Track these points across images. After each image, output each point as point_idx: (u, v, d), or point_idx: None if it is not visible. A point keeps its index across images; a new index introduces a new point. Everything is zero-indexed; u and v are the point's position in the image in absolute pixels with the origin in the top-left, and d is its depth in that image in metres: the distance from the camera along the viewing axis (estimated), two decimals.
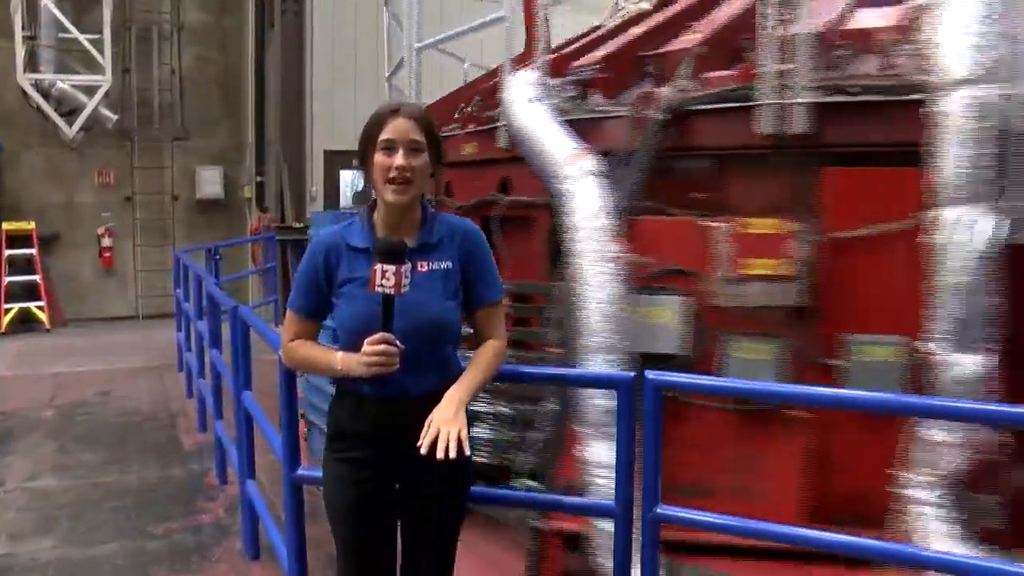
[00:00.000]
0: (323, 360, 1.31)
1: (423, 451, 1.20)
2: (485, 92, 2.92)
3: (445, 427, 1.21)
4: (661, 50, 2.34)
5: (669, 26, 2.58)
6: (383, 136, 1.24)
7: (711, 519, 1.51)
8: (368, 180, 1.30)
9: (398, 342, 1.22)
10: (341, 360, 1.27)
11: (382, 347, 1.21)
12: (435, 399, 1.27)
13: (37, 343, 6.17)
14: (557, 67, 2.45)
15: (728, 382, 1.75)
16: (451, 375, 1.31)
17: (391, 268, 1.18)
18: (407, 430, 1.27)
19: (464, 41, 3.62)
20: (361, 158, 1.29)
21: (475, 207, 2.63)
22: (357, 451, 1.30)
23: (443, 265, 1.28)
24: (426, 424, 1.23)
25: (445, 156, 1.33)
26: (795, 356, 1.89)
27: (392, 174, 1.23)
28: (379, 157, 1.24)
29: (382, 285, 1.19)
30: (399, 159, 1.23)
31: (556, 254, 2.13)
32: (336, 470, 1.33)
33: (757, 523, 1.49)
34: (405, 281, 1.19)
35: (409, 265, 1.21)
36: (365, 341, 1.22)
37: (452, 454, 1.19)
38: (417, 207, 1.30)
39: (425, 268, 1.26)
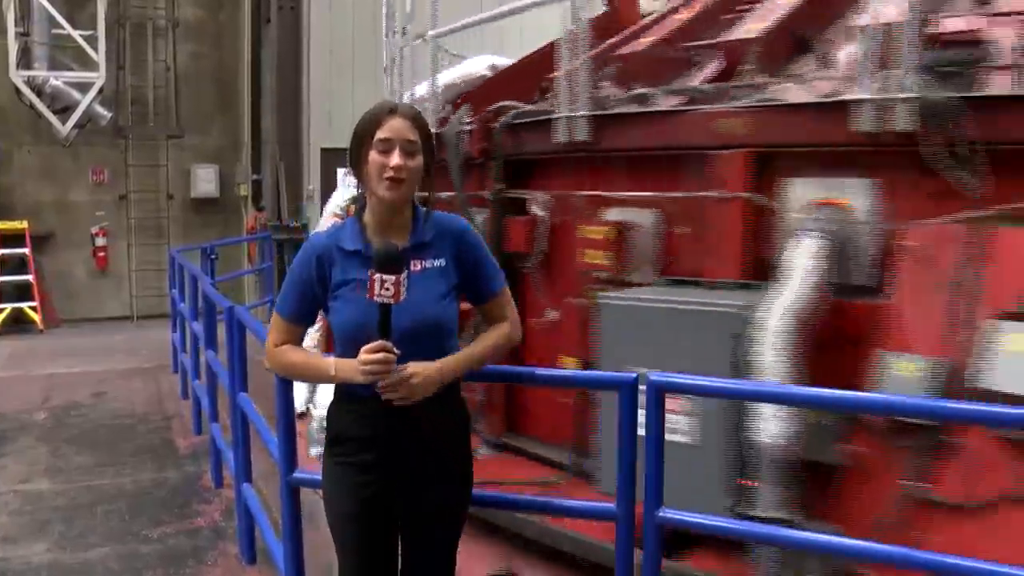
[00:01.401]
0: (316, 367, 1.30)
1: (381, 385, 1.21)
2: (637, 57, 2.56)
3: (410, 375, 1.21)
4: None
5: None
6: (380, 135, 1.23)
7: (713, 522, 1.50)
8: (360, 178, 1.28)
9: (395, 349, 1.21)
10: (336, 367, 1.26)
11: (380, 355, 1.20)
12: (434, 398, 1.27)
13: (30, 344, 6.13)
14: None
15: (729, 383, 1.73)
16: None
17: (391, 278, 1.18)
18: (407, 430, 1.27)
19: (460, 37, 3.58)
20: (354, 156, 1.27)
21: None
22: (357, 455, 1.29)
23: (437, 263, 1.28)
24: (408, 368, 1.22)
25: (435, 157, 1.33)
26: None
27: (388, 173, 1.23)
28: (375, 156, 1.24)
29: (381, 295, 1.18)
30: (395, 159, 1.23)
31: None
32: (337, 475, 1.32)
33: (757, 526, 1.48)
34: (404, 290, 1.19)
35: (407, 273, 1.20)
36: (362, 349, 1.21)
37: (396, 400, 1.22)
38: (408, 207, 1.29)
39: (419, 267, 1.25)
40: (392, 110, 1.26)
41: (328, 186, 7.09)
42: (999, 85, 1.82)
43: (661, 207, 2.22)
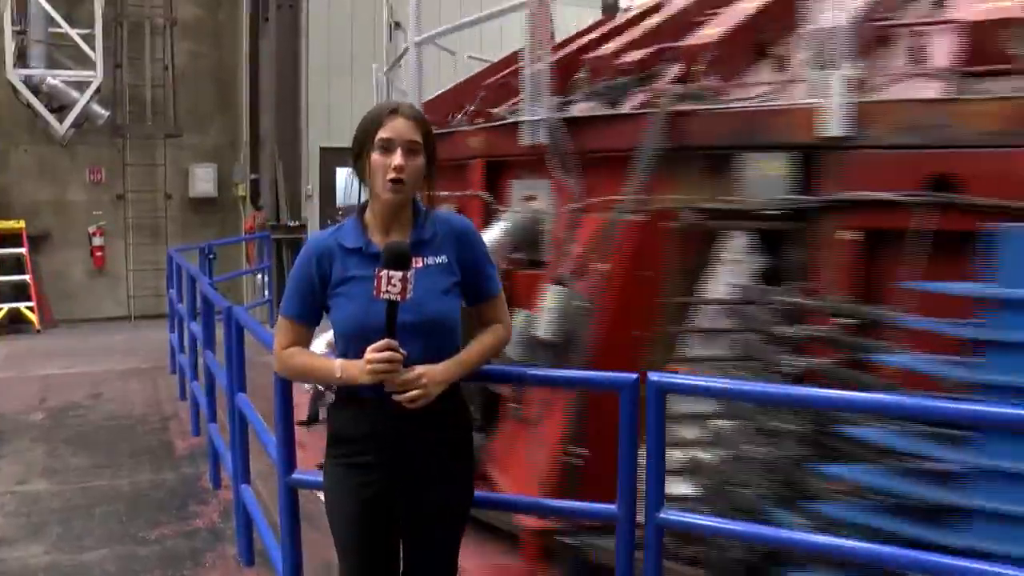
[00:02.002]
0: (322, 368, 1.29)
1: (394, 388, 1.22)
2: (492, 86, 3.20)
3: (424, 385, 1.22)
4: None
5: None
6: (381, 135, 1.23)
7: (715, 524, 1.49)
8: (362, 178, 1.28)
9: (401, 349, 1.20)
10: (341, 368, 1.25)
11: (387, 354, 1.19)
12: (437, 398, 1.26)
13: (27, 344, 6.09)
14: (571, 63, 2.87)
15: (732, 384, 1.73)
16: None
17: (397, 274, 1.17)
18: (410, 431, 1.26)
19: (460, 35, 3.60)
20: (356, 156, 1.27)
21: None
22: (360, 455, 1.28)
23: (439, 260, 1.28)
24: (415, 370, 1.22)
25: (436, 157, 1.33)
26: None
27: (390, 174, 1.22)
28: (376, 156, 1.23)
29: (388, 291, 1.17)
30: (397, 159, 1.22)
31: None
32: (338, 476, 1.31)
33: (760, 528, 1.47)
34: (410, 287, 1.18)
35: (414, 271, 1.19)
36: (368, 349, 1.20)
37: (406, 401, 1.22)
38: (409, 206, 1.29)
39: (420, 264, 1.25)
40: (394, 110, 1.26)
41: (327, 186, 7.11)
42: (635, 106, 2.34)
43: (455, 203, 2.90)
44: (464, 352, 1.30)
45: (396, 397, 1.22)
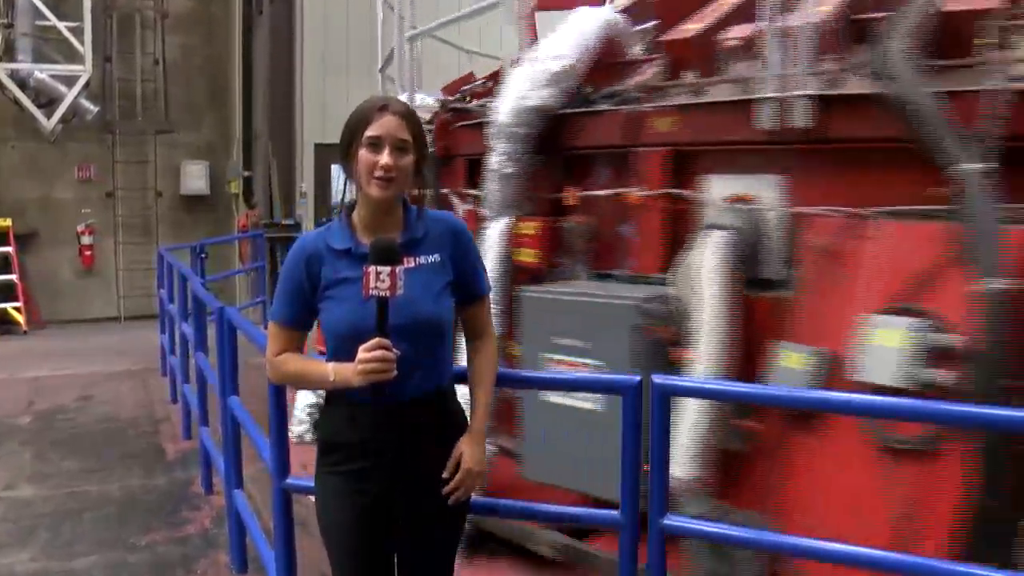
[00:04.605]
0: (316, 373, 1.26)
1: (451, 500, 1.26)
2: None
3: (474, 474, 1.26)
4: None
5: None
6: (369, 132, 1.20)
7: (718, 530, 1.47)
8: (350, 176, 1.25)
9: (394, 348, 1.17)
10: (334, 371, 1.21)
11: (379, 353, 1.16)
12: (430, 401, 1.24)
13: (14, 345, 6.01)
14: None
15: (735, 386, 1.71)
16: (446, 375, 1.29)
17: (386, 270, 1.13)
18: (403, 436, 1.24)
19: (461, 30, 3.54)
20: (344, 153, 1.24)
21: None
22: (353, 463, 1.25)
23: (431, 259, 1.25)
24: (453, 460, 1.24)
25: (428, 155, 1.30)
26: None
27: (378, 172, 1.19)
28: (364, 154, 1.20)
29: (377, 288, 1.13)
30: (385, 157, 1.19)
31: None
32: (331, 484, 1.27)
33: (764, 534, 1.45)
34: (400, 283, 1.14)
35: (403, 268, 1.16)
36: (360, 348, 1.16)
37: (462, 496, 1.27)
38: (399, 205, 1.26)
39: (412, 264, 1.22)
40: (383, 107, 1.22)
41: (322, 183, 7.03)
42: None
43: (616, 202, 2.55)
44: (482, 400, 1.31)
45: (456, 496, 1.25)
